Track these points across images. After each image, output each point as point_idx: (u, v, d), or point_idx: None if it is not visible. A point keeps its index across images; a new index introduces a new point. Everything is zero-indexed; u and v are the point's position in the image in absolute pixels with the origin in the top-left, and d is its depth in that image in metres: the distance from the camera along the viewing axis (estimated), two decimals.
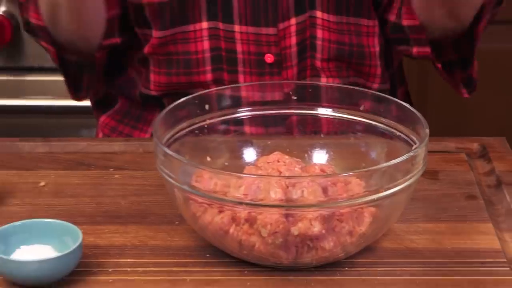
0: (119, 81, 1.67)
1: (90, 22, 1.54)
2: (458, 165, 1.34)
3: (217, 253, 1.11)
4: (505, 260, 1.08)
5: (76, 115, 2.23)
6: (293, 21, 1.51)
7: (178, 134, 1.19)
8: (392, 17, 1.55)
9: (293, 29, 1.52)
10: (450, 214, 1.20)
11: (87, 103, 1.76)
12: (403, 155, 1.07)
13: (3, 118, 2.27)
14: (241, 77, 1.50)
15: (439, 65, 1.56)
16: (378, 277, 1.07)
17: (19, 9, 1.64)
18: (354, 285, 1.06)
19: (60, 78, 2.20)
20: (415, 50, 1.55)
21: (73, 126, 2.31)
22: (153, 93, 1.55)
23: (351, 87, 1.31)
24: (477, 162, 1.34)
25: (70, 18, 1.51)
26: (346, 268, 1.09)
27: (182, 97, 1.25)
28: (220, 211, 1.08)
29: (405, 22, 1.53)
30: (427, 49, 1.50)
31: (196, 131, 1.23)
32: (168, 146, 1.12)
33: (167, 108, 1.19)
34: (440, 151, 1.37)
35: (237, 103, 1.27)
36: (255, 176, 1.11)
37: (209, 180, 1.08)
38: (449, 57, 1.57)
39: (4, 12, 2.28)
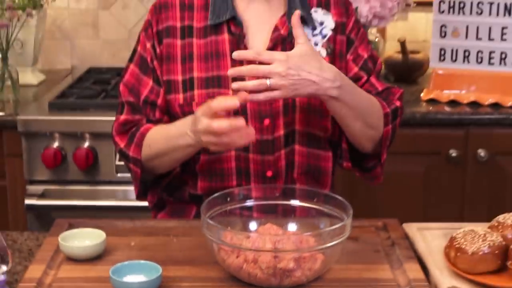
0: (172, 187, 1.69)
1: (171, 167, 1.62)
2: (369, 233, 1.48)
3: (236, 280, 1.30)
4: (395, 283, 1.29)
5: (133, 212, 2.28)
6: (283, 151, 1.60)
7: (213, 214, 1.36)
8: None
9: (283, 156, 1.60)
10: (364, 260, 1.37)
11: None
12: (338, 225, 1.29)
13: (89, 212, 2.31)
14: (252, 183, 1.58)
15: (358, 173, 1.70)
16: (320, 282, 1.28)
17: (113, 139, 1.68)
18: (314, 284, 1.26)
19: (122, 187, 2.38)
20: (345, 164, 1.67)
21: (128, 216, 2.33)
22: (199, 192, 1.62)
23: (310, 189, 1.48)
24: (381, 232, 1.49)
25: (162, 164, 1.60)
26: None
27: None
28: (237, 256, 1.27)
29: (343, 145, 1.64)
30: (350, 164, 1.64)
31: (223, 212, 1.40)
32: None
33: (207, 200, 1.37)
34: (359, 226, 1.49)
35: (248, 197, 1.45)
36: (257, 236, 1.32)
37: (230, 239, 1.29)
38: (370, 164, 1.67)
39: (88, 146, 2.33)
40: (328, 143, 1.64)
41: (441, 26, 2.49)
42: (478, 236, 1.32)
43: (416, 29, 2.94)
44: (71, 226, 1.47)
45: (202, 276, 1.31)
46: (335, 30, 1.65)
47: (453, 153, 2.42)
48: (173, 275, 1.30)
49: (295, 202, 1.46)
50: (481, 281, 1.29)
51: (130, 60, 1.65)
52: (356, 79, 1.62)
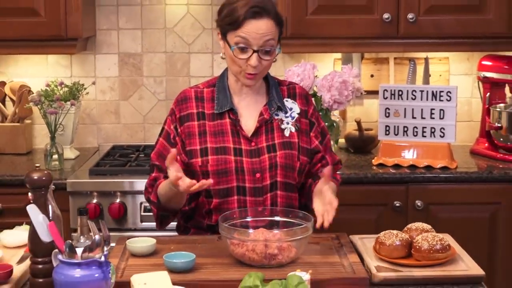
0: (194, 220, 2.31)
1: (180, 204, 2.24)
2: (327, 241, 2.17)
3: (240, 263, 1.98)
4: (341, 264, 1.99)
5: None
6: (268, 195, 2.24)
7: (226, 224, 2.03)
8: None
9: (268, 198, 2.24)
10: (322, 253, 2.07)
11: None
12: (303, 226, 2.00)
13: None
14: (249, 212, 2.17)
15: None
16: (292, 267, 1.93)
17: (144, 190, 2.32)
18: (288, 269, 1.91)
19: (146, 233, 3.01)
20: (302, 201, 2.32)
21: None
22: (213, 223, 2.23)
23: (287, 209, 2.16)
24: (334, 240, 2.18)
25: (172, 205, 2.23)
26: (285, 267, 1.97)
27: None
28: (241, 247, 1.97)
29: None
30: None
31: (232, 224, 2.07)
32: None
33: (222, 215, 2.08)
34: (320, 237, 2.16)
35: (246, 216, 2.15)
36: (254, 233, 2.00)
37: (237, 235, 1.98)
38: None
39: (119, 201, 3.00)
40: (296, 188, 2.32)
41: (386, 109, 3.24)
42: (393, 235, 2.11)
43: (370, 111, 3.69)
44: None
45: (219, 262, 2.06)
46: (300, 114, 2.33)
47: (397, 203, 3.12)
48: (202, 262, 2.05)
49: (277, 218, 2.19)
50: (395, 261, 2.06)
51: (160, 135, 2.35)
52: (316, 151, 2.33)
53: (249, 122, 2.30)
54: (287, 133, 2.32)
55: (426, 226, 2.18)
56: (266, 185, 2.26)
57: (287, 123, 2.33)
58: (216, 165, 2.25)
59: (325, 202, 2.10)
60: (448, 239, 2.19)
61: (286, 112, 2.34)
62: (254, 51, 2.20)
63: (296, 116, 2.34)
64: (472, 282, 2.00)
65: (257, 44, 2.19)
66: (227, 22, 2.22)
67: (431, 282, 1.99)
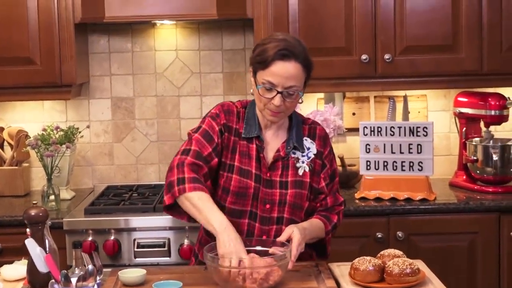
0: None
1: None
2: (307, 268, 2.32)
3: None
4: None
5: None
6: (274, 226, 2.36)
7: (210, 256, 2.19)
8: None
9: (273, 230, 2.35)
10: (302, 279, 2.21)
11: None
12: (282, 253, 2.16)
13: None
14: (253, 240, 2.27)
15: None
16: None
17: (176, 166, 2.27)
18: None
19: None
20: None
21: None
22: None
23: (273, 239, 2.27)
24: (314, 268, 2.34)
25: (188, 212, 2.25)
26: None
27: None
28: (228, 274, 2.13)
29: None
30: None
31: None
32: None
33: (209, 245, 2.22)
34: (301, 265, 2.30)
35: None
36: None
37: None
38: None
39: (114, 238, 3.14)
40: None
41: (366, 145, 3.40)
42: (367, 260, 2.28)
43: (352, 148, 3.84)
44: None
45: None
46: (316, 155, 2.41)
47: (379, 235, 3.26)
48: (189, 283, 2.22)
49: (258, 248, 2.30)
50: (368, 286, 2.23)
51: (195, 132, 2.36)
52: (320, 191, 2.41)
53: (269, 153, 2.41)
54: (300, 172, 2.40)
55: (398, 252, 2.35)
56: (274, 217, 2.38)
57: (303, 162, 2.40)
58: (238, 186, 2.35)
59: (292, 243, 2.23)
60: (419, 264, 2.35)
61: (303, 151, 2.42)
62: (278, 92, 2.28)
63: (312, 156, 2.42)
64: None
65: (282, 85, 2.27)
66: (257, 61, 2.30)
67: None
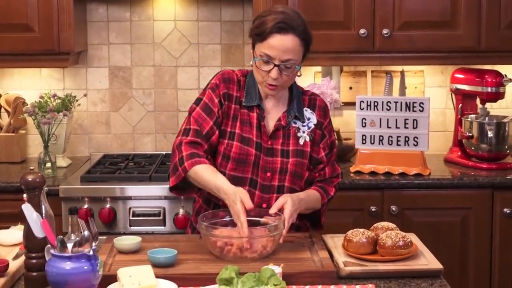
0: (212, 203, 2.39)
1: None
2: (300, 239, 2.33)
3: (219, 258, 2.14)
4: (311, 259, 2.19)
5: None
6: (274, 195, 2.37)
7: (204, 225, 2.24)
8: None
9: (274, 198, 2.35)
10: (295, 249, 2.24)
11: None
12: (276, 223, 2.19)
13: None
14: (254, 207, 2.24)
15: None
16: (265, 261, 2.08)
17: (177, 147, 2.34)
18: (262, 263, 2.07)
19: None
20: None
21: None
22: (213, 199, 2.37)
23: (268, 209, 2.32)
24: (307, 239, 2.35)
25: (195, 183, 2.29)
26: (259, 261, 2.13)
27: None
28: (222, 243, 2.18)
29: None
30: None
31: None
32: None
33: (209, 212, 2.30)
34: (295, 235, 2.35)
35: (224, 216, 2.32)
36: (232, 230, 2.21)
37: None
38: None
39: (109, 207, 3.16)
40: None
41: (362, 119, 3.41)
42: (360, 233, 2.29)
43: (348, 122, 3.86)
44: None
45: (199, 258, 2.23)
46: (316, 125, 2.43)
47: (373, 208, 3.30)
48: (183, 258, 2.22)
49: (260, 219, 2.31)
50: (361, 257, 2.25)
51: (196, 104, 2.38)
52: (319, 161, 2.43)
53: (270, 122, 2.42)
54: (301, 142, 2.42)
55: (391, 225, 2.37)
56: (274, 185, 2.39)
57: (303, 132, 2.43)
58: (238, 153, 2.36)
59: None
60: (412, 237, 2.36)
61: (303, 122, 2.44)
62: (275, 65, 2.29)
63: (313, 126, 2.45)
64: (431, 276, 2.18)
65: (279, 58, 2.28)
66: (256, 33, 2.31)
67: (394, 275, 2.16)
